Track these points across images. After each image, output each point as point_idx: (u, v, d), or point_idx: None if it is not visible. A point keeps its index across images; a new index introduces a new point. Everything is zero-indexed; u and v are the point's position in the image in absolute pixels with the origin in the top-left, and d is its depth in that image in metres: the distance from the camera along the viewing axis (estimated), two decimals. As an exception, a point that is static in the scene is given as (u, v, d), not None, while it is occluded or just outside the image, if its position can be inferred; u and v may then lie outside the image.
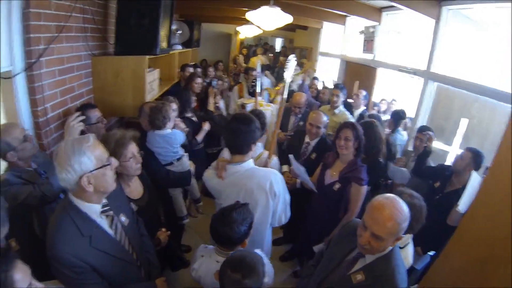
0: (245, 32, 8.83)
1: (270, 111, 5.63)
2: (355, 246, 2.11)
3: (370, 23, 6.65)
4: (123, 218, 2.10)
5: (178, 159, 3.67)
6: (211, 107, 5.22)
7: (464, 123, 4.05)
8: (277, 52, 12.24)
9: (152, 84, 4.33)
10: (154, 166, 3.32)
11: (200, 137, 4.62)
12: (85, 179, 1.72)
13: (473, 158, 3.46)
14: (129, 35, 3.77)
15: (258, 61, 7.22)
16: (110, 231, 1.97)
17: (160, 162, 3.48)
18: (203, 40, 10.09)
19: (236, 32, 11.59)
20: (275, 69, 10.67)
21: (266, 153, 3.35)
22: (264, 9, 4.21)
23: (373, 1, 6.10)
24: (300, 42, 11.62)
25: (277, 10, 4.20)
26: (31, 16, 2.58)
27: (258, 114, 3.54)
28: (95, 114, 3.15)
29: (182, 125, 3.93)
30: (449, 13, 4.85)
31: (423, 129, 4.31)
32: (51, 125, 3.01)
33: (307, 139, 4.17)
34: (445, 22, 4.89)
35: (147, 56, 3.86)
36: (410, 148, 4.92)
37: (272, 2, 4.30)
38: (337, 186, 3.33)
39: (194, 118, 4.80)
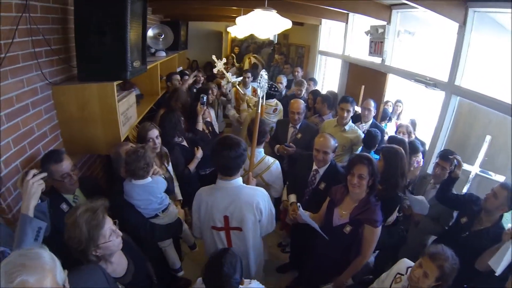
0: (236, 33, 7.95)
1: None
2: None
3: (377, 22, 5.87)
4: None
5: (164, 210, 3.18)
6: (200, 126, 4.77)
7: (488, 140, 3.80)
8: (271, 50, 11.46)
9: (128, 112, 3.70)
10: (136, 220, 2.93)
11: (193, 166, 4.26)
12: None
13: (509, 196, 3.03)
14: (91, 57, 3.02)
15: (228, 73, 7.03)
16: None
17: (142, 215, 3.01)
18: (192, 40, 9.70)
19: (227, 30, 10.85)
20: (270, 68, 10.22)
21: (268, 158, 3.82)
22: (257, 13, 3.45)
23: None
24: (296, 39, 10.75)
25: (272, 14, 3.45)
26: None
27: (260, 121, 3.64)
28: (60, 169, 2.63)
29: (161, 171, 3.41)
30: (476, 16, 4.17)
31: (446, 155, 3.77)
32: (8, 184, 2.51)
33: (315, 166, 3.72)
34: (471, 27, 4.21)
35: (115, 82, 3.17)
36: (425, 169, 4.66)
37: (266, 3, 3.58)
38: (348, 228, 3.01)
39: (184, 143, 4.40)
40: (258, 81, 3.63)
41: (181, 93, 4.85)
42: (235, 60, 10.82)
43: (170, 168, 3.84)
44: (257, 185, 3.34)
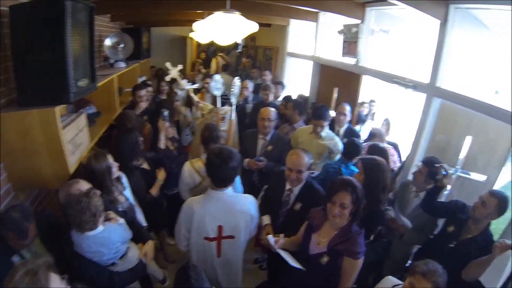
0: (198, 39, 7.39)
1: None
2: None
3: (350, 20, 5.56)
4: None
5: (122, 257, 2.78)
6: (162, 144, 4.37)
7: (468, 140, 3.62)
8: (238, 53, 11.06)
9: (77, 138, 3.27)
10: (92, 271, 2.54)
11: (155, 190, 3.80)
12: None
13: (498, 205, 2.94)
14: (30, 77, 2.57)
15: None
16: None
17: (98, 264, 2.60)
18: (155, 47, 9.40)
19: (192, 34, 10.38)
20: (237, 71, 9.83)
21: None
22: (218, 17, 3.01)
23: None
24: (263, 41, 10.40)
25: (236, 16, 3.03)
26: None
27: (212, 127, 3.82)
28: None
29: (113, 215, 2.88)
30: (457, 13, 3.98)
31: (431, 162, 3.55)
32: None
33: (288, 186, 3.35)
34: (452, 25, 4.02)
35: (58, 107, 2.72)
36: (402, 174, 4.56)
37: (229, 4, 3.16)
38: (325, 259, 2.69)
39: (145, 165, 3.95)
40: (232, 88, 3.67)
41: (128, 117, 4.38)
42: (201, 66, 10.32)
43: (128, 194, 3.43)
44: None
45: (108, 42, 5.52)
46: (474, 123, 3.94)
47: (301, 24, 8.08)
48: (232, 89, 3.44)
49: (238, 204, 2.84)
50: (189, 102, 6.42)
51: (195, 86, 6.83)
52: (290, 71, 8.86)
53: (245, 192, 3.46)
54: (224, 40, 3.27)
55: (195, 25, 3.24)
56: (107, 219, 2.70)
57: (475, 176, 3.66)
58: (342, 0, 5.19)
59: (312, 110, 4.81)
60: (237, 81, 3.63)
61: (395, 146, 4.72)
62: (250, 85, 6.79)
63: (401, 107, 6.01)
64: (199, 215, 2.78)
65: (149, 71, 9.29)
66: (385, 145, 4.23)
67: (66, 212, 2.50)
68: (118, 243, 2.71)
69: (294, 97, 6.49)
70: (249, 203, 2.92)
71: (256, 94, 6.96)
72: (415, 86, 4.40)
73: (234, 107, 3.49)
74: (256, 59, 10.41)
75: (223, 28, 3.08)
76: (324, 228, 2.77)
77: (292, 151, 3.37)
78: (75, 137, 3.20)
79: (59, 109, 2.75)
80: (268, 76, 7.65)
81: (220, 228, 2.82)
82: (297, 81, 8.82)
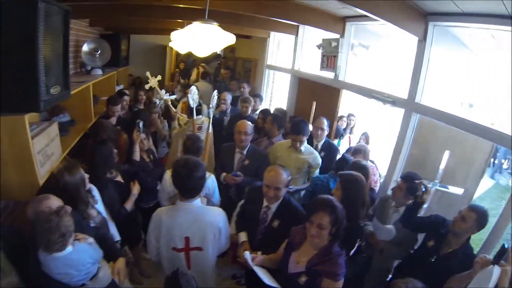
0: (176, 48, 7.24)
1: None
2: None
3: (330, 35, 5.53)
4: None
5: (93, 277, 2.60)
6: (136, 156, 4.28)
7: (446, 154, 3.81)
8: (217, 64, 10.95)
9: (48, 148, 3.11)
10: None
11: (129, 204, 3.69)
12: None
13: (478, 219, 2.92)
14: None
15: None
16: None
17: (66, 284, 2.45)
18: (134, 55, 9.36)
19: (172, 44, 10.21)
20: (216, 83, 9.77)
21: None
22: (195, 27, 2.94)
23: (336, 9, 4.95)
24: (243, 53, 10.33)
25: (213, 27, 2.95)
26: None
27: (195, 138, 4.00)
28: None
29: (81, 236, 2.70)
30: (435, 31, 4.03)
31: (410, 178, 3.48)
32: None
33: (265, 202, 3.24)
34: (431, 42, 4.06)
35: (27, 115, 2.61)
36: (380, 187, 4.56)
37: (207, 15, 3.11)
38: (303, 279, 2.58)
39: (119, 178, 3.78)
40: (190, 94, 3.65)
41: (103, 127, 4.28)
42: (180, 77, 10.19)
43: (101, 208, 3.29)
44: None
45: (85, 48, 5.43)
46: (452, 137, 3.97)
47: (281, 37, 8.12)
48: (211, 101, 3.43)
49: (206, 216, 2.85)
50: (166, 113, 6.41)
51: (173, 96, 6.84)
52: (269, 84, 8.81)
53: (222, 207, 3.40)
54: (201, 51, 3.13)
55: (173, 35, 3.13)
56: (76, 239, 2.55)
57: (453, 189, 3.73)
58: (322, 14, 5.15)
59: (291, 124, 4.73)
60: (215, 94, 3.65)
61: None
62: (228, 97, 6.74)
63: (379, 121, 6.02)
64: (167, 225, 2.79)
65: (127, 79, 9.20)
66: (368, 163, 4.14)
67: (34, 229, 2.36)
68: (89, 264, 2.56)
69: (272, 110, 6.45)
70: (217, 215, 2.92)
71: (234, 106, 6.93)
72: (394, 101, 4.39)
73: (210, 119, 3.46)
74: (236, 70, 10.34)
75: (200, 39, 2.99)
76: (304, 247, 2.69)
77: (270, 167, 3.30)
78: (46, 148, 3.05)
79: (28, 117, 2.63)
80: (246, 89, 7.59)
81: (187, 239, 2.81)
82: (275, 94, 8.81)
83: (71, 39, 5.22)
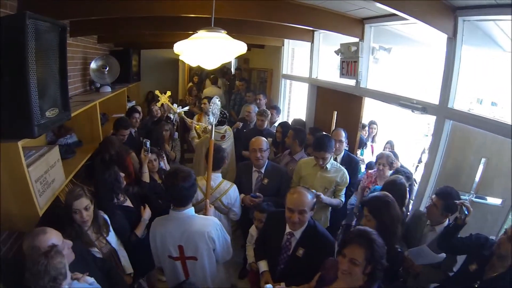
0: (188, 61, 7.02)
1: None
2: None
3: (348, 39, 5.20)
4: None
5: None
6: (146, 177, 4.11)
7: (482, 163, 3.55)
8: (232, 76, 10.72)
9: (48, 176, 2.89)
10: None
11: (140, 231, 3.45)
12: None
13: None
14: None
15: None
16: None
17: None
18: (146, 70, 9.24)
19: (184, 57, 10.03)
20: (231, 95, 9.56)
21: (226, 182, 3.82)
22: (201, 37, 2.65)
23: (353, 10, 4.63)
24: (257, 63, 10.11)
25: (221, 35, 2.66)
26: None
27: (218, 148, 3.88)
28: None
29: (79, 275, 2.45)
30: (465, 27, 3.67)
31: (446, 194, 3.26)
32: None
33: (288, 229, 2.95)
34: (461, 39, 3.69)
35: (20, 142, 2.39)
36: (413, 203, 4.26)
37: (213, 23, 2.84)
38: None
39: (128, 203, 3.58)
40: (210, 107, 3.75)
41: (112, 143, 4.08)
42: (196, 90, 9.96)
43: (112, 238, 3.10)
44: (216, 208, 3.60)
45: (93, 65, 5.33)
46: (487, 144, 3.64)
47: (295, 45, 7.91)
48: (211, 108, 3.73)
49: (194, 226, 2.86)
50: (184, 126, 6.61)
51: (186, 108, 6.77)
52: (286, 94, 8.54)
53: (241, 228, 3.78)
54: (209, 63, 2.78)
55: (175, 47, 2.78)
56: (75, 278, 2.29)
57: (490, 200, 3.50)
58: (339, 17, 4.84)
59: (313, 140, 4.43)
60: (216, 100, 3.77)
61: (409, 178, 4.29)
62: (254, 109, 6.62)
63: (403, 127, 5.74)
64: (161, 233, 2.87)
65: (139, 95, 9.05)
66: (402, 179, 3.84)
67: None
68: None
69: (289, 121, 6.28)
70: (208, 226, 2.90)
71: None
72: (424, 108, 4.04)
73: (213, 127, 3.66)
74: (251, 81, 10.05)
75: (207, 49, 2.67)
76: (338, 283, 2.39)
77: (292, 189, 2.99)
78: (45, 175, 2.82)
79: (24, 143, 2.43)
80: (263, 100, 7.36)
81: (180, 247, 2.87)
82: (292, 105, 8.53)
83: (79, 56, 5.17)
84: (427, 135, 6.94)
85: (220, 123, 5.22)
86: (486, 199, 3.56)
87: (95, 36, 6.06)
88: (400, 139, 5.77)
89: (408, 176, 4.25)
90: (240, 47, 2.71)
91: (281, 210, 3.02)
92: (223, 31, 2.68)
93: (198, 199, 3.59)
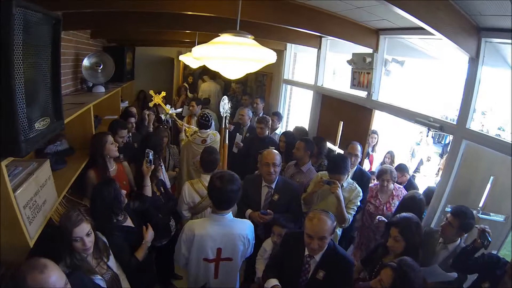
0: (189, 62, 6.88)
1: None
2: None
3: (358, 48, 5.02)
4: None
5: None
6: (148, 191, 3.74)
7: (490, 181, 3.64)
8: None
9: (38, 198, 2.45)
10: None
11: (141, 254, 3.10)
12: None
13: None
14: None
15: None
16: None
17: None
18: (139, 69, 8.83)
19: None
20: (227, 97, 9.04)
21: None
22: (225, 41, 2.36)
23: (368, 21, 4.45)
24: (256, 66, 9.73)
25: (249, 41, 2.41)
26: None
27: (210, 150, 4.06)
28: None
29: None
30: (486, 48, 3.60)
31: (462, 214, 3.22)
32: None
33: (306, 251, 2.84)
34: (482, 61, 3.64)
35: (3, 162, 1.98)
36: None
37: (238, 26, 2.59)
38: None
39: (129, 222, 3.21)
40: (222, 105, 3.71)
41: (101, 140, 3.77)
42: (188, 92, 9.69)
43: (112, 262, 2.73)
44: None
45: (86, 62, 4.87)
46: (497, 163, 3.72)
47: (297, 49, 7.74)
48: (223, 105, 3.98)
49: (237, 229, 2.95)
50: (175, 127, 6.47)
51: (178, 110, 6.78)
52: (286, 100, 8.33)
53: None
54: (233, 72, 2.48)
55: (194, 51, 2.48)
56: None
57: (494, 216, 3.61)
58: (356, 26, 4.65)
59: (328, 162, 4.42)
60: (226, 99, 3.96)
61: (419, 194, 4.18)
62: (248, 112, 6.51)
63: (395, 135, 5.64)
64: (200, 237, 2.85)
65: (132, 95, 8.78)
66: (415, 193, 3.94)
67: None
68: None
69: (290, 129, 6.23)
70: (247, 228, 3.04)
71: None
72: (442, 127, 3.93)
73: (226, 128, 4.04)
74: (247, 84, 9.82)
75: (233, 56, 2.35)
76: None
77: (311, 214, 2.82)
78: (35, 197, 2.40)
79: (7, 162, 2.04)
80: (260, 104, 7.19)
81: (219, 250, 2.92)
82: (292, 111, 8.34)
83: (70, 52, 4.76)
84: (419, 144, 7.12)
85: (203, 126, 5.22)
86: (490, 215, 3.64)
87: (88, 30, 5.67)
88: (394, 147, 5.66)
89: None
90: (269, 56, 2.48)
91: (300, 231, 2.93)
92: (250, 36, 2.42)
93: (195, 201, 3.75)
